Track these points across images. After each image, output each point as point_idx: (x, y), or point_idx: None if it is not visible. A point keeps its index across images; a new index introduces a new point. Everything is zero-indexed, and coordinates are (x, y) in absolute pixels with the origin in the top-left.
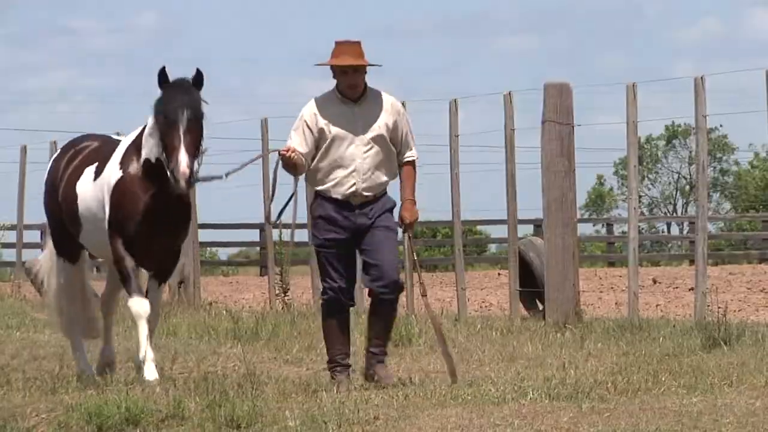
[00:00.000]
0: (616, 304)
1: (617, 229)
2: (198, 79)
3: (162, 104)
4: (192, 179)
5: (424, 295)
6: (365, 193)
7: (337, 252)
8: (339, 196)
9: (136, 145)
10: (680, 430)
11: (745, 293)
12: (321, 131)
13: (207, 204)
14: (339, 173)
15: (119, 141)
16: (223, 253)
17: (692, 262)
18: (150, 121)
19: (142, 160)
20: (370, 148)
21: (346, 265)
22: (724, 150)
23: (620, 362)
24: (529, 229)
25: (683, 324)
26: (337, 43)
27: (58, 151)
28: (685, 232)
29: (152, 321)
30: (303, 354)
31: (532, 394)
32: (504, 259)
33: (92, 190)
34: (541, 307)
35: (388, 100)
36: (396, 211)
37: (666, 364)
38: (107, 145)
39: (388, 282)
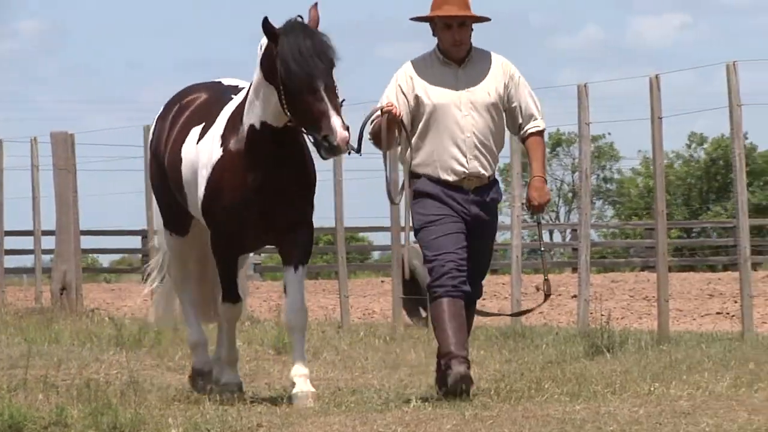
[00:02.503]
0: (498, 311)
1: (500, 237)
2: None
3: (290, 56)
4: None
5: (548, 294)
6: (481, 172)
7: (449, 225)
8: (450, 179)
9: (239, 112)
10: None
11: (628, 301)
12: (418, 99)
13: (88, 211)
14: (444, 151)
15: (230, 89)
16: (105, 260)
17: (575, 269)
18: (257, 79)
19: (245, 129)
20: (479, 119)
21: (460, 242)
22: (609, 158)
23: (503, 369)
24: (411, 236)
25: (566, 331)
26: None
27: (162, 108)
28: (567, 239)
29: (299, 320)
30: (186, 361)
31: (416, 401)
32: (387, 266)
33: (194, 156)
34: (424, 314)
35: (498, 61)
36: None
37: (549, 372)
38: (216, 98)
39: (470, 296)
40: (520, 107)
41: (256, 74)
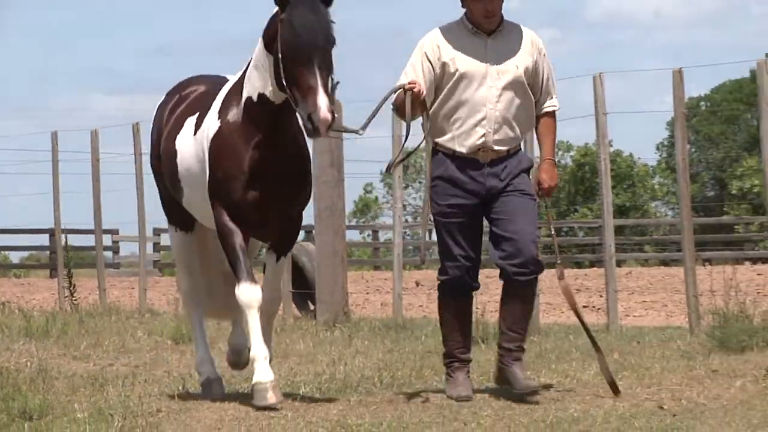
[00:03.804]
0: (381, 305)
1: (383, 236)
2: None
3: (291, 29)
4: (332, 126)
5: (561, 278)
6: (496, 147)
7: (462, 222)
8: (464, 150)
9: (238, 87)
10: (442, 422)
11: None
12: (444, 67)
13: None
14: (465, 121)
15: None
16: (15, 257)
17: None
18: (258, 49)
19: (243, 101)
20: (505, 92)
21: (473, 239)
22: None
23: (386, 359)
24: (301, 235)
25: None
26: None
27: (163, 96)
28: None
29: (273, 305)
30: (90, 351)
31: (304, 388)
32: None
33: (192, 146)
34: (312, 307)
35: (528, 35)
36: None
37: (428, 361)
38: (214, 90)
39: (525, 259)
40: (540, 83)
41: (258, 45)
